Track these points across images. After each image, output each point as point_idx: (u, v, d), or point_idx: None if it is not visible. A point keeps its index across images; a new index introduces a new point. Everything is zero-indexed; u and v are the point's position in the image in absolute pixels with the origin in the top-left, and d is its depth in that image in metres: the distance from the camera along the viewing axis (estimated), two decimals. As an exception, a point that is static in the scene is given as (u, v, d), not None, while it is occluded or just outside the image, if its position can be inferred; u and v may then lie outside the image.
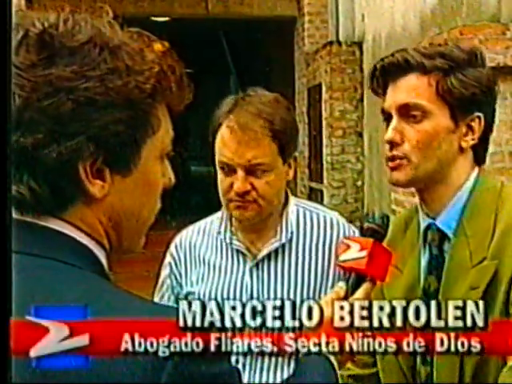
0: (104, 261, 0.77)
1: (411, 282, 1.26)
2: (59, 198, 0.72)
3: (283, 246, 1.54)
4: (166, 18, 8.04)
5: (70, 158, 0.70)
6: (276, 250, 1.54)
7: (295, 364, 0.96)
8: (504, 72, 4.03)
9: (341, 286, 1.13)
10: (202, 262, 1.59)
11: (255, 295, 1.53)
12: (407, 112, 1.20)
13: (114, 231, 0.77)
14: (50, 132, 0.69)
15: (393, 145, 1.21)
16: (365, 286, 1.12)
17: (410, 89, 1.20)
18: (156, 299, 1.63)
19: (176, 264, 1.62)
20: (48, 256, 0.71)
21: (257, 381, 1.49)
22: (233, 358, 0.74)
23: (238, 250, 1.56)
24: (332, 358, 1.03)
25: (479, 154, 1.27)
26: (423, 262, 1.27)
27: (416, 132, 1.20)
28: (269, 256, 1.54)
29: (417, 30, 5.02)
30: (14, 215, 0.72)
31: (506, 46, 4.14)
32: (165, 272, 1.64)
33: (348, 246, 1.15)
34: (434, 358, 1.21)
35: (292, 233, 1.55)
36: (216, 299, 1.54)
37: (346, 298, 1.11)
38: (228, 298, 1.53)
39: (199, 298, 1.56)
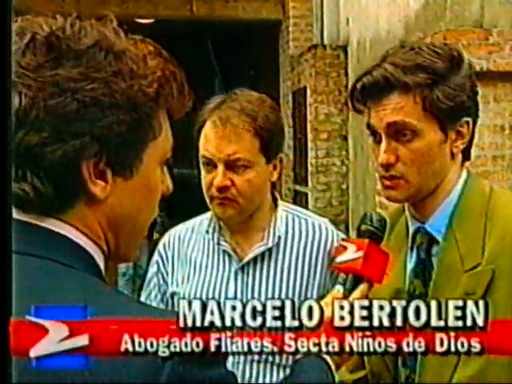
0: (101, 264, 0.77)
1: (397, 286, 1.26)
2: (61, 198, 0.73)
3: (270, 250, 1.54)
4: (151, 20, 8.02)
5: (74, 157, 0.71)
6: (262, 254, 1.54)
7: (292, 365, 0.96)
8: (487, 77, 4.08)
9: (338, 290, 1.13)
10: (189, 261, 1.59)
11: (238, 298, 1.52)
12: (396, 131, 1.19)
13: (112, 235, 0.78)
14: (55, 131, 0.70)
15: (388, 166, 1.20)
16: (361, 288, 1.12)
17: (396, 108, 1.18)
18: (143, 297, 1.63)
19: (163, 262, 1.62)
20: (47, 257, 0.71)
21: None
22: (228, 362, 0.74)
23: (224, 251, 1.55)
24: (329, 359, 1.04)
25: (466, 153, 1.27)
26: (410, 265, 1.27)
27: (409, 152, 1.18)
28: (255, 260, 1.53)
29: (401, 35, 5.06)
30: (16, 214, 0.72)
31: (488, 52, 4.19)
32: (152, 270, 1.64)
33: (344, 248, 1.15)
34: (418, 360, 1.21)
35: (279, 238, 1.54)
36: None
37: None
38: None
39: (183, 299, 1.55)
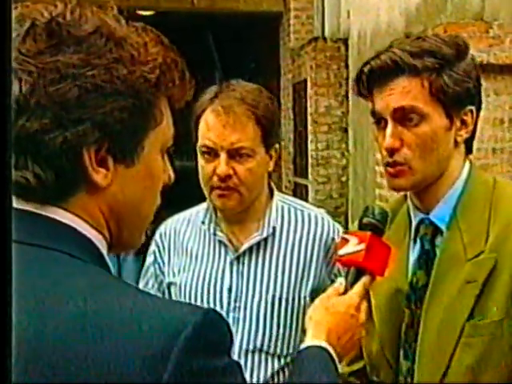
0: (105, 253, 0.76)
1: (398, 278, 1.26)
2: (63, 185, 0.72)
3: (265, 240, 1.54)
4: (151, 12, 7.98)
5: (75, 144, 0.70)
6: (258, 245, 1.54)
7: (295, 355, 0.96)
8: (487, 70, 4.07)
9: (340, 282, 1.13)
10: (185, 251, 1.59)
11: (234, 288, 1.52)
12: (403, 115, 1.18)
13: (114, 223, 0.77)
14: (56, 117, 0.69)
15: (392, 151, 1.19)
16: (363, 280, 1.12)
17: (403, 92, 1.17)
18: (140, 286, 1.64)
19: (160, 252, 1.63)
20: (49, 247, 0.70)
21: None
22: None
23: (220, 242, 1.56)
24: (331, 350, 1.04)
25: (469, 144, 1.27)
26: (412, 256, 1.27)
27: (415, 136, 1.18)
28: (250, 250, 1.54)
29: (401, 27, 5.04)
30: (16, 203, 0.71)
31: (489, 44, 4.18)
32: (149, 259, 1.65)
33: (346, 241, 1.14)
34: (417, 352, 1.22)
35: (274, 228, 1.55)
36: (196, 290, 1.54)
37: (344, 294, 1.11)
38: (208, 290, 1.54)
39: (180, 289, 1.56)
